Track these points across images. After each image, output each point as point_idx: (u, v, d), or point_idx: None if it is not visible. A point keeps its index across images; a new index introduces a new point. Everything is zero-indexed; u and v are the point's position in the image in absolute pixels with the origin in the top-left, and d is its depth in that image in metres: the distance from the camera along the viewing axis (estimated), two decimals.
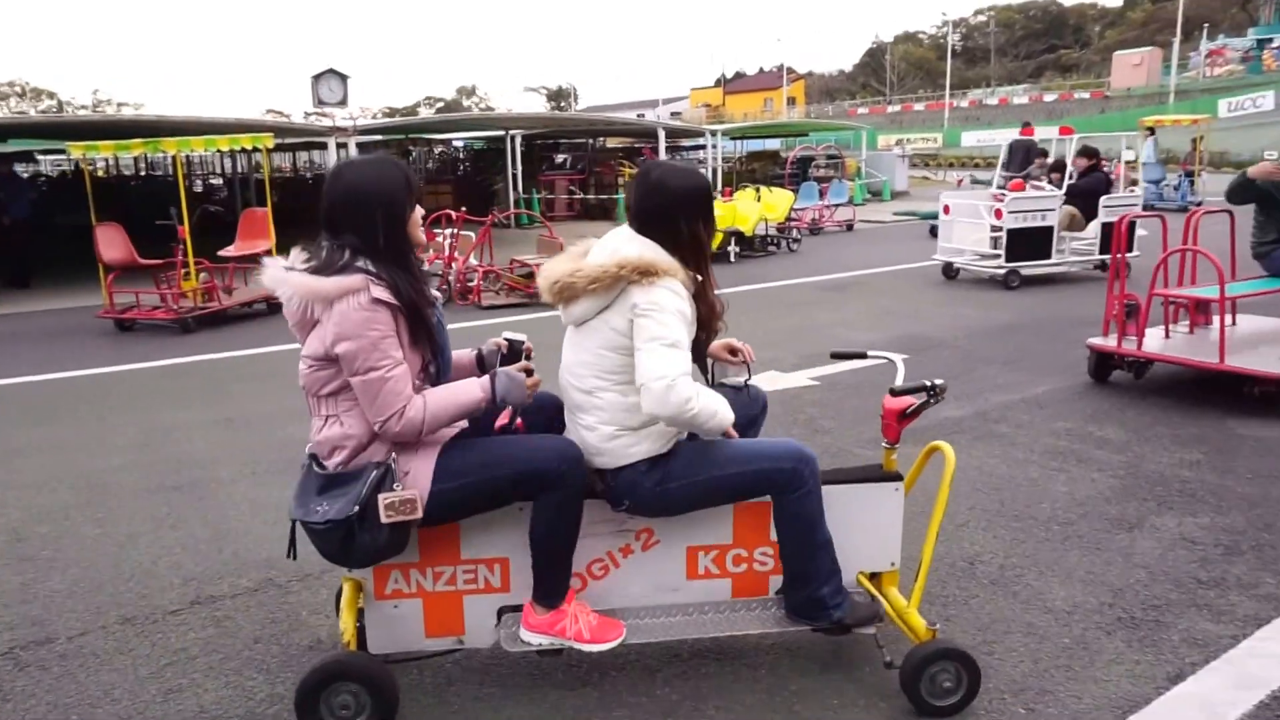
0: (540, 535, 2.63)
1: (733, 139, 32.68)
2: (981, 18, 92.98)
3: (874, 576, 3.01)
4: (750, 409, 2.98)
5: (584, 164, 26.07)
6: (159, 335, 9.28)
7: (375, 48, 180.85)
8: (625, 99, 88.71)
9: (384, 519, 2.44)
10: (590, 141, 28.02)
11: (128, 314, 9.47)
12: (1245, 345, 6.03)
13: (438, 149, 28.49)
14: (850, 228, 18.77)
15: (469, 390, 2.56)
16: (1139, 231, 10.27)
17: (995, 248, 11.02)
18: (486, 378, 2.60)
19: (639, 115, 62.74)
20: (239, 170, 23.76)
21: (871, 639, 2.93)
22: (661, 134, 20.54)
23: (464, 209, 10.87)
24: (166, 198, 10.76)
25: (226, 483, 4.89)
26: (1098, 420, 5.53)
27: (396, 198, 2.49)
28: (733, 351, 3.03)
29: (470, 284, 10.61)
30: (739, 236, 14.48)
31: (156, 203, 13.34)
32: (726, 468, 2.71)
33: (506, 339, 2.80)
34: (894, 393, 2.86)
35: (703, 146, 25.33)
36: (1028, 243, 10.80)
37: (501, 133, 22.85)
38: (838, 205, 19.10)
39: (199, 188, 28.48)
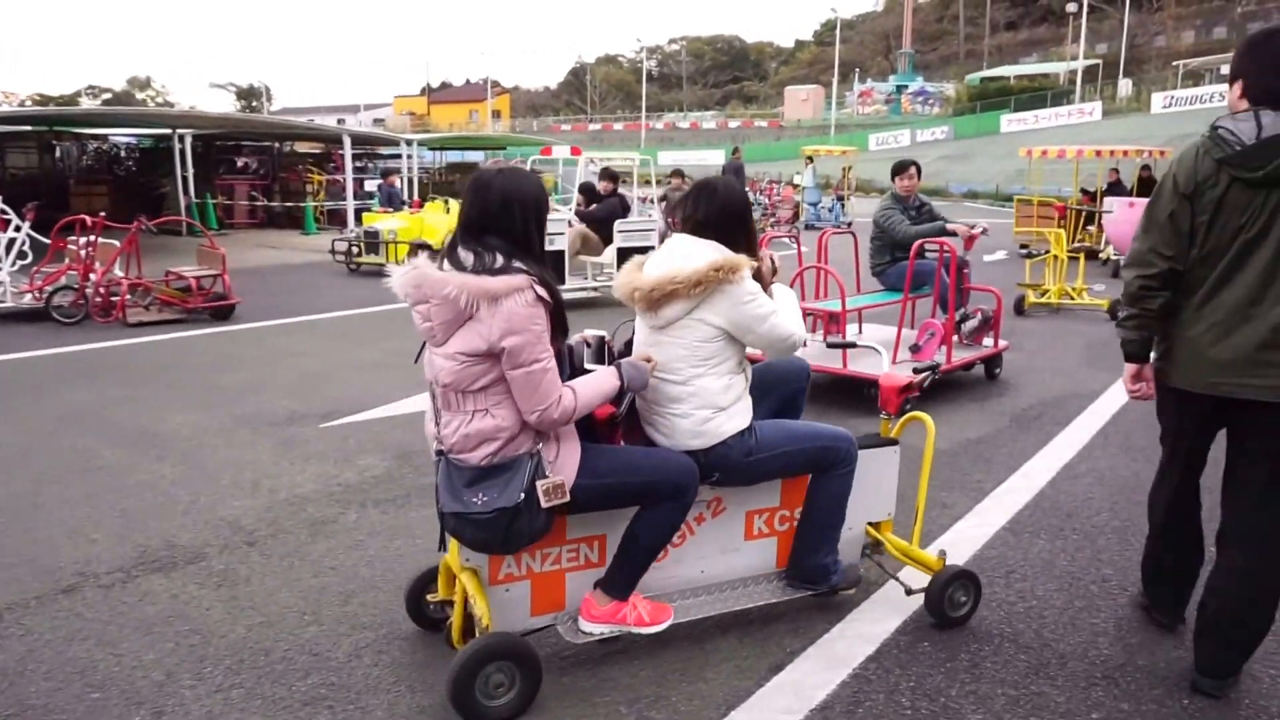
0: (644, 537, 2.91)
1: (431, 149, 32.14)
2: (675, 46, 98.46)
3: (874, 526, 3.54)
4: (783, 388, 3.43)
5: (268, 169, 24.53)
6: None
7: (32, 28, 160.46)
8: (325, 102, 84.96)
9: (544, 504, 2.63)
10: (276, 145, 26.39)
11: None
12: (865, 352, 6.68)
13: (92, 145, 25.52)
14: None
15: (608, 379, 2.81)
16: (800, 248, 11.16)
17: None
18: (613, 368, 2.86)
19: (339, 120, 60.26)
20: None
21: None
22: (348, 141, 19.66)
23: (103, 214, 9.76)
24: None
25: None
26: None
27: (542, 203, 2.74)
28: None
29: (114, 298, 9.52)
30: (426, 249, 14.17)
31: None
32: (799, 443, 3.15)
33: (592, 335, 3.07)
34: (917, 371, 3.55)
35: (399, 155, 24.63)
36: None
37: (169, 131, 20.94)
38: None
39: None
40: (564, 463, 2.73)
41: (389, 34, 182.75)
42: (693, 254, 2.98)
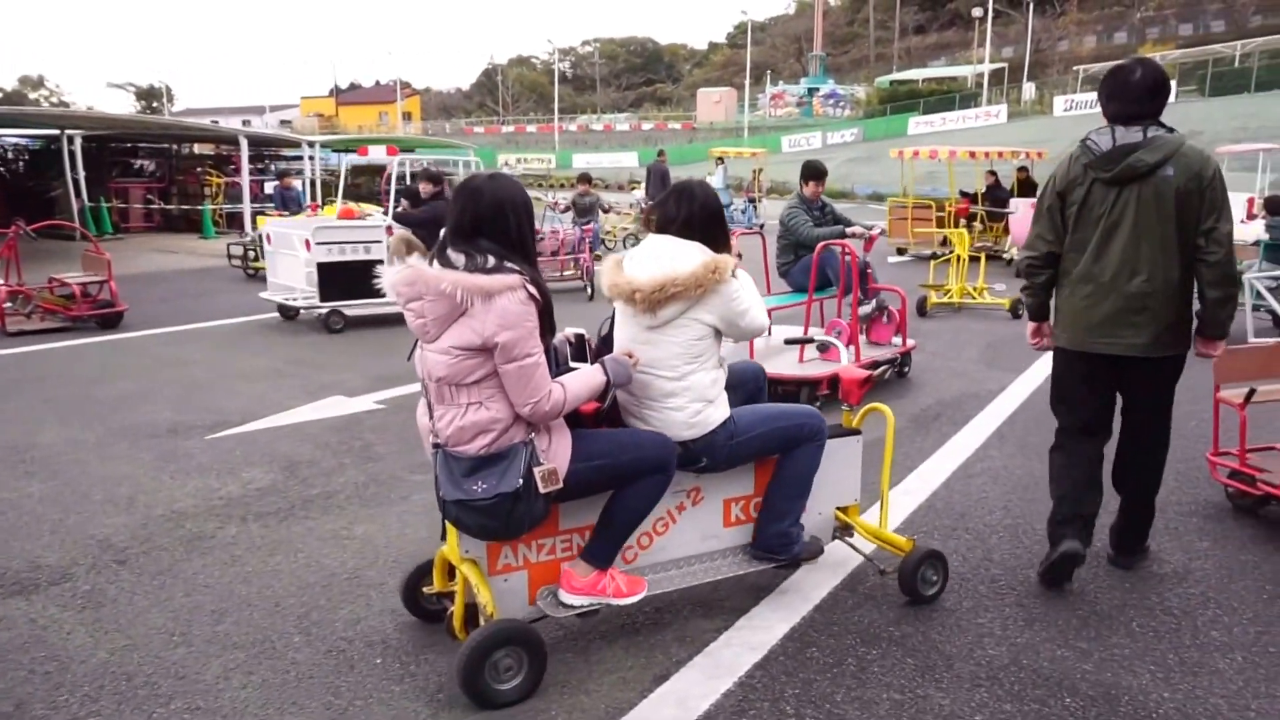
0: (627, 508, 3.00)
1: (336, 151, 31.44)
2: (588, 48, 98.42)
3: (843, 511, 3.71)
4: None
5: (165, 171, 23.66)
6: None
7: None
8: (230, 103, 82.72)
9: (541, 489, 2.75)
10: (174, 147, 25.46)
11: None
12: (773, 352, 6.76)
13: None
14: None
15: (595, 375, 2.94)
16: None
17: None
18: (599, 365, 2.98)
19: (244, 122, 58.59)
20: None
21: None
22: (244, 143, 19.08)
23: None
24: None
25: None
26: None
27: (530, 208, 2.90)
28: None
29: None
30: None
31: None
32: (773, 423, 3.32)
33: (572, 333, 3.25)
34: (877, 365, 3.68)
35: (300, 158, 24.00)
36: (349, 278, 9.17)
37: (56, 132, 20.04)
38: None
39: None
40: (557, 451, 2.85)
41: (296, 34, 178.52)
42: (682, 255, 3.12)
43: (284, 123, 74.85)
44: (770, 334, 7.27)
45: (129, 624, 3.37)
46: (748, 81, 61.89)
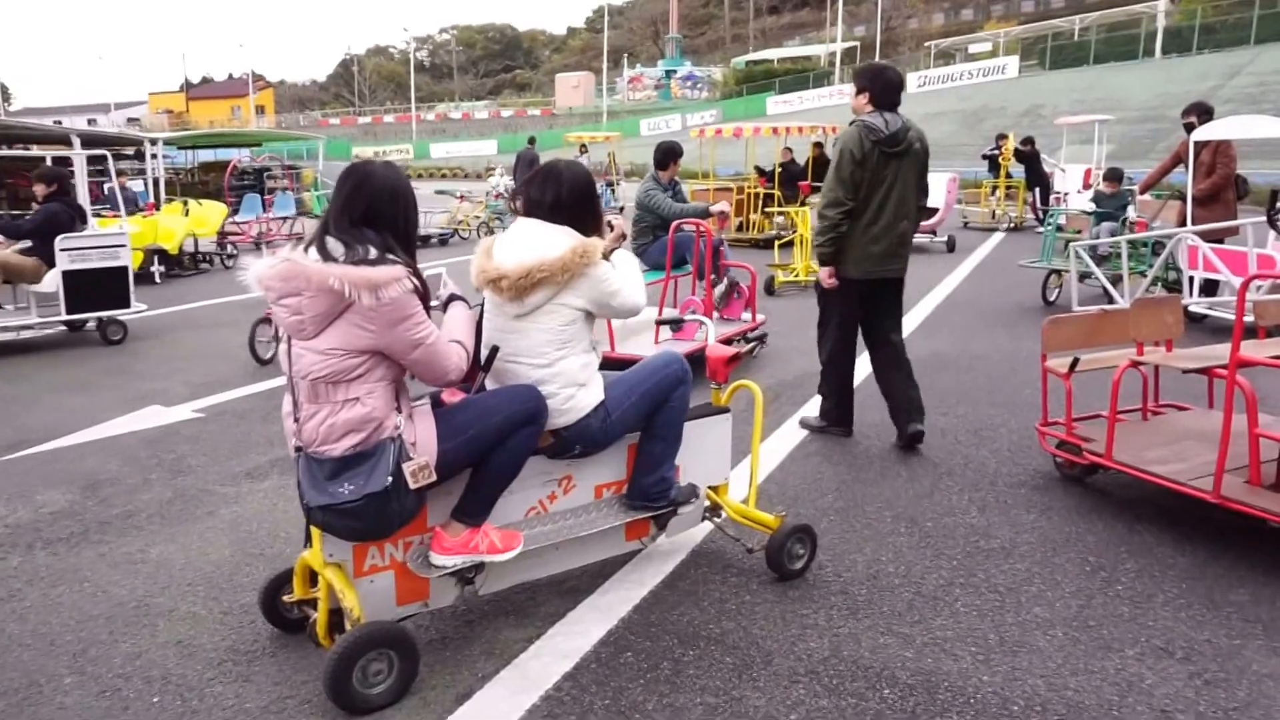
0: (501, 461, 2.90)
1: (181, 148, 29.91)
2: (446, 36, 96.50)
3: (712, 490, 3.69)
4: None
5: None
6: None
7: None
8: (73, 101, 77.91)
9: (412, 485, 2.65)
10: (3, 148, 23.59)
11: None
12: (631, 333, 6.77)
13: None
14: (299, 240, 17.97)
15: (460, 310, 2.99)
16: None
17: None
18: (457, 302, 3.02)
19: (90, 121, 55.12)
20: None
21: (723, 537, 3.79)
22: (77, 141, 17.71)
23: None
24: None
25: None
26: None
27: (414, 198, 2.82)
28: None
29: None
30: (163, 254, 13.04)
31: None
32: (639, 388, 3.24)
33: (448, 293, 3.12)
34: (746, 341, 3.75)
35: (141, 155, 22.60)
36: None
37: None
38: (286, 218, 18.21)
39: None
40: (424, 442, 2.74)
41: (143, 28, 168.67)
42: (550, 240, 3.04)
43: (131, 120, 71.14)
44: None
45: None
46: (605, 66, 61.87)
